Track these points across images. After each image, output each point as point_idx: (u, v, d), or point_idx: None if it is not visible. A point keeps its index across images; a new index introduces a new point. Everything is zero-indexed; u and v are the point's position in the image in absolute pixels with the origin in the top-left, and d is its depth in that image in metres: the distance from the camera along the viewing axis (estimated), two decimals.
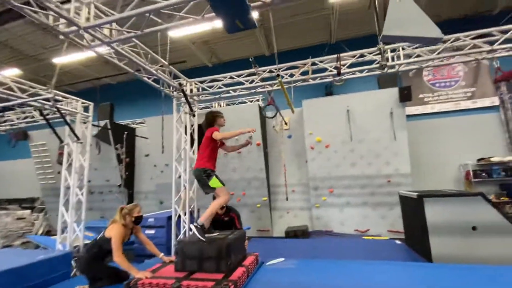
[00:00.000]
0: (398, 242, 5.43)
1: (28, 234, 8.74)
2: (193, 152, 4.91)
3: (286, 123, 8.20)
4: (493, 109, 7.92)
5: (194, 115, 4.77)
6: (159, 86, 4.21)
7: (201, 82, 4.91)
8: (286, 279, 2.81)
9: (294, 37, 9.27)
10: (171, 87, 4.56)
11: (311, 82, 4.28)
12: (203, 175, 3.06)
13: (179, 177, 4.72)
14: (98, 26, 2.74)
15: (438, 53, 3.68)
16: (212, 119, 3.24)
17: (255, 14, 2.54)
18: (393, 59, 3.96)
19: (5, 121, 7.72)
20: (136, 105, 12.00)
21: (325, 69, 4.22)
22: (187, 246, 2.99)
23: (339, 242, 5.81)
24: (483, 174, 7.47)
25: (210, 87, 4.84)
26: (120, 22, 2.87)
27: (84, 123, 5.33)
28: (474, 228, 4.00)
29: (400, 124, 7.05)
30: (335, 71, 4.07)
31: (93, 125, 6.23)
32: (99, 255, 2.88)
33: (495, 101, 7.87)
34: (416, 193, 4.52)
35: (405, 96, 6.91)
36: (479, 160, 7.62)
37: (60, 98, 4.84)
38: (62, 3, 2.59)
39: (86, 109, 5.36)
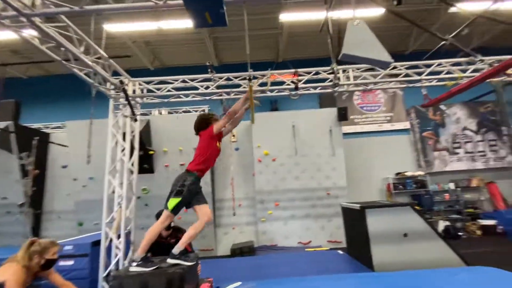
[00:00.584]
0: (340, 252, 5.73)
1: None
2: (132, 163, 4.19)
3: (233, 135, 8.02)
4: (405, 132, 9.48)
5: (136, 120, 4.11)
6: (93, 81, 3.48)
7: (147, 83, 4.32)
8: None
9: (244, 50, 9.33)
10: (108, 85, 3.84)
11: (269, 94, 4.24)
12: (180, 184, 2.71)
13: (113, 192, 3.92)
14: None
15: (380, 77, 4.15)
16: (208, 121, 2.95)
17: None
18: (339, 79, 4.27)
19: None
20: (53, 106, 9.98)
21: (282, 83, 4.25)
22: (126, 281, 2.38)
23: (285, 257, 5.78)
24: (400, 186, 8.74)
25: (158, 89, 4.29)
26: None
27: None
28: (405, 235, 4.49)
29: (338, 141, 7.72)
30: (292, 85, 4.13)
31: None
32: None
33: (407, 125, 9.45)
34: (358, 205, 4.87)
35: (343, 116, 7.65)
36: (397, 174, 8.91)
37: None
38: None
39: None
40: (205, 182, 7.46)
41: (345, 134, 9.14)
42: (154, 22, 6.83)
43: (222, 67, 9.92)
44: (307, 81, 4.37)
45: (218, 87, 4.26)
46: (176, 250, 2.57)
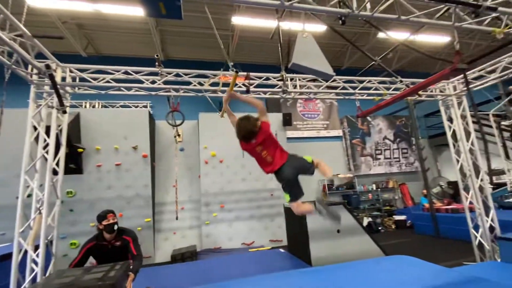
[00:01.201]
0: (282, 250, 6.02)
1: None
2: (57, 162, 3.59)
3: (179, 135, 7.66)
4: (339, 139, 10.57)
5: (65, 112, 3.54)
6: (10, 63, 2.87)
7: (81, 70, 3.77)
8: None
9: (193, 47, 9.05)
10: (30, 68, 3.22)
11: (220, 94, 4.20)
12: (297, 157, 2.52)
13: (29, 195, 3.29)
14: None
15: (322, 88, 4.55)
16: (254, 122, 2.49)
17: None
18: (287, 87, 4.53)
19: None
20: None
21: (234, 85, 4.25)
22: None
23: (228, 259, 5.78)
24: (333, 187, 9.68)
25: (94, 79, 3.79)
26: None
27: None
28: (338, 231, 5.00)
29: (282, 145, 8.12)
30: (243, 88, 4.18)
31: None
32: None
33: (340, 132, 10.56)
34: None
35: (287, 121, 8.11)
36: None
37: None
38: None
39: None
40: (145, 185, 6.97)
41: (288, 138, 9.69)
42: (91, 2, 6.04)
43: (168, 62, 9.39)
44: (256, 86, 4.48)
45: (166, 82, 4.01)
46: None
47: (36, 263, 3.04)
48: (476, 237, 4.75)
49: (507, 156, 7.85)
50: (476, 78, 4.82)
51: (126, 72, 3.87)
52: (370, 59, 4.52)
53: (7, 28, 2.64)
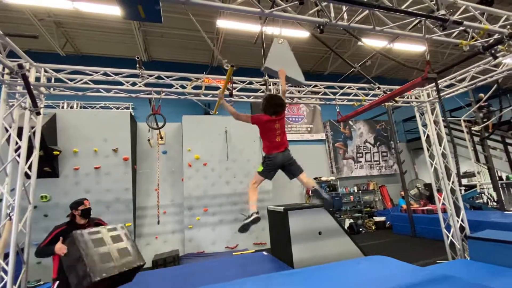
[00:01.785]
0: (265, 253, 6.04)
1: None
2: (30, 165, 3.44)
3: (162, 138, 7.54)
4: (322, 142, 10.79)
5: (39, 113, 3.40)
6: None
7: (57, 71, 3.64)
8: None
9: (177, 49, 8.96)
10: (1, 67, 3.07)
11: (203, 98, 4.18)
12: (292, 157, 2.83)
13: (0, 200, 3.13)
14: None
15: (304, 93, 4.66)
16: (284, 101, 2.84)
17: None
18: (271, 91, 4.59)
19: None
20: None
21: (217, 87, 4.26)
22: None
23: (212, 263, 5.73)
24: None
25: (71, 79, 3.67)
26: None
27: None
28: (320, 233, 5.10)
29: None
30: (227, 92, 4.19)
31: None
32: None
33: (323, 136, 10.78)
34: (282, 207, 5.28)
35: None
36: (314, 179, 10.01)
37: None
38: None
39: None
40: (125, 189, 6.79)
41: None
42: (69, 0, 5.84)
43: (152, 64, 9.26)
44: (240, 89, 4.51)
45: (147, 85, 3.95)
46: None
47: (5, 272, 2.89)
48: (448, 236, 5.01)
49: (477, 159, 8.34)
50: (448, 86, 5.11)
51: (105, 74, 3.77)
52: (350, 66, 4.69)
53: None
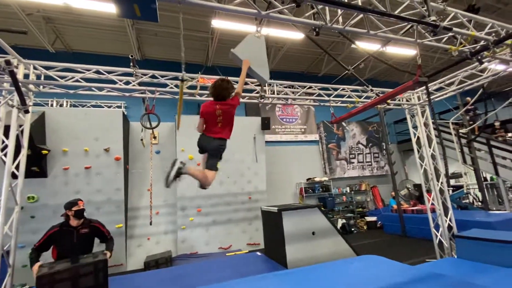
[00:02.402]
0: (259, 253, 6.05)
1: None
2: (17, 165, 3.35)
3: (155, 137, 7.46)
4: (316, 143, 10.89)
5: (27, 111, 3.32)
6: None
7: (47, 68, 3.57)
8: None
9: (172, 48, 8.88)
10: None
11: (197, 98, 4.17)
12: (222, 151, 2.71)
13: None
14: None
15: (299, 95, 4.70)
16: (232, 89, 2.68)
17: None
18: (265, 92, 4.62)
19: None
20: None
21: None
22: None
23: (205, 264, 5.70)
24: (310, 190, 9.95)
25: (61, 77, 3.60)
26: None
27: None
28: (313, 233, 5.14)
29: (261, 148, 8.22)
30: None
31: None
32: None
33: (317, 137, 10.88)
34: (276, 208, 5.30)
35: (266, 125, 8.21)
36: (307, 179, 10.10)
37: None
38: None
39: None
40: (117, 189, 6.68)
41: (267, 142, 9.81)
42: None
43: (145, 62, 9.15)
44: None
45: (141, 84, 3.91)
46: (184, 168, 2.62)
47: None
48: (436, 235, 5.14)
49: (464, 161, 8.58)
50: (437, 90, 5.25)
51: (97, 72, 3.71)
52: (344, 68, 4.76)
53: None
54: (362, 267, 3.51)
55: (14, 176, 3.32)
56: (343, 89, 4.93)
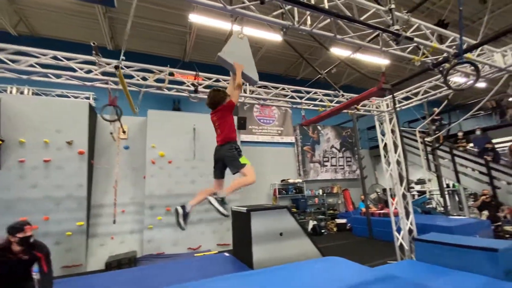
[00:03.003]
0: (226, 254, 5.97)
1: None
2: None
3: (124, 132, 7.13)
4: (291, 145, 11.00)
5: None
6: None
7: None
8: None
9: (148, 40, 8.56)
10: None
11: (166, 92, 4.01)
12: (234, 151, 2.66)
13: None
14: None
15: (271, 95, 4.69)
16: (224, 95, 2.80)
17: None
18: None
19: None
20: None
21: (182, 83, 4.12)
22: None
23: (168, 265, 5.52)
24: (283, 191, 10.01)
25: (15, 61, 3.30)
26: None
27: None
28: (281, 234, 5.15)
29: None
30: (192, 88, 4.07)
31: None
32: None
33: (293, 139, 11.00)
34: (245, 208, 5.25)
35: (242, 125, 8.16)
36: (282, 181, 10.17)
37: None
38: None
39: None
40: (79, 185, 6.29)
41: (243, 141, 9.75)
42: None
43: (118, 53, 8.70)
44: (208, 87, 4.41)
45: (105, 74, 3.69)
46: (222, 194, 2.70)
47: None
48: (398, 238, 5.35)
49: (429, 168, 9.06)
50: (405, 99, 5.48)
51: (55, 57, 3.45)
52: (317, 72, 4.82)
53: None
54: (324, 268, 3.55)
55: None
56: (315, 92, 5.00)
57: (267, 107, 10.66)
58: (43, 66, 3.46)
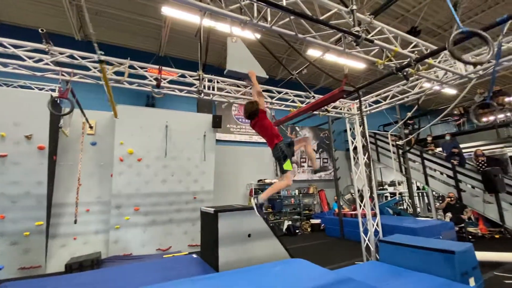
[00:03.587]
0: (194, 256, 5.80)
1: None
2: None
3: (91, 127, 6.77)
4: None
5: None
6: None
7: None
8: None
9: (122, 32, 8.19)
10: None
11: (126, 85, 3.80)
12: (280, 153, 3.06)
13: None
14: None
15: (242, 94, 4.58)
16: (256, 104, 3.11)
17: None
18: (209, 88, 4.43)
19: None
20: None
21: (145, 77, 3.92)
22: None
23: (131, 267, 5.28)
24: (260, 191, 9.95)
25: None
26: None
27: None
28: (249, 235, 5.07)
29: (210, 147, 7.96)
30: (154, 82, 3.89)
31: None
32: None
33: None
34: (213, 209, 5.12)
35: (217, 123, 7.99)
36: (259, 181, 10.11)
37: None
38: None
39: None
40: (38, 182, 5.89)
41: (220, 140, 9.60)
42: None
43: (89, 44, 8.25)
44: (180, 83, 4.24)
45: (59, 64, 3.43)
46: (260, 199, 2.93)
47: None
48: (364, 239, 5.42)
49: (401, 170, 9.34)
50: (375, 102, 5.56)
51: (1, 45, 3.16)
52: (289, 73, 4.77)
53: None
54: (283, 271, 3.50)
55: None
56: (286, 93, 4.95)
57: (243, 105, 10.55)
58: None
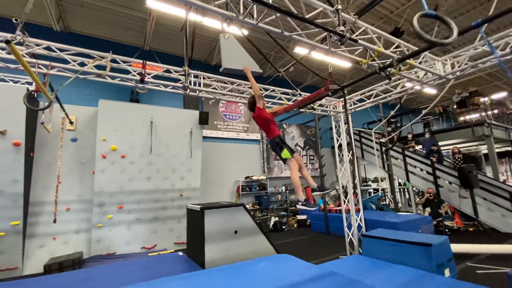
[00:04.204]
0: (180, 253, 5.76)
1: None
2: None
3: (71, 122, 6.52)
4: (257, 142, 10.99)
5: None
6: None
7: None
8: None
9: (102, 24, 7.88)
10: None
11: (108, 80, 3.67)
12: (276, 146, 3.34)
13: None
14: None
15: (229, 90, 4.55)
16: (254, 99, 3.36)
17: None
18: (195, 84, 4.37)
19: None
20: None
21: (128, 72, 3.81)
22: None
23: (115, 266, 5.17)
24: (247, 188, 9.98)
25: None
26: None
27: None
28: (236, 232, 5.08)
29: (197, 144, 7.88)
30: (138, 77, 3.79)
31: None
32: None
33: (259, 136, 10.99)
34: (199, 206, 5.09)
35: (203, 120, 7.90)
36: (246, 178, 10.13)
37: None
38: None
39: None
40: (13, 180, 5.63)
41: (207, 137, 9.52)
42: None
43: (68, 36, 7.94)
44: (165, 78, 4.15)
45: (35, 56, 3.27)
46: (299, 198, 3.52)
47: None
48: (348, 234, 5.57)
49: (384, 167, 9.63)
50: (360, 101, 5.69)
51: None
52: (276, 70, 4.78)
53: None
54: (268, 267, 3.54)
55: None
56: (273, 90, 4.96)
57: (234, 103, 10.51)
58: None
